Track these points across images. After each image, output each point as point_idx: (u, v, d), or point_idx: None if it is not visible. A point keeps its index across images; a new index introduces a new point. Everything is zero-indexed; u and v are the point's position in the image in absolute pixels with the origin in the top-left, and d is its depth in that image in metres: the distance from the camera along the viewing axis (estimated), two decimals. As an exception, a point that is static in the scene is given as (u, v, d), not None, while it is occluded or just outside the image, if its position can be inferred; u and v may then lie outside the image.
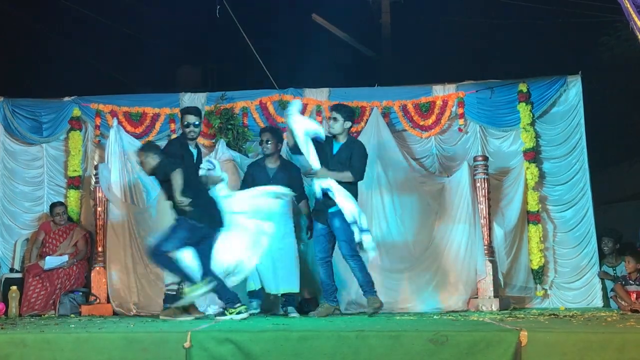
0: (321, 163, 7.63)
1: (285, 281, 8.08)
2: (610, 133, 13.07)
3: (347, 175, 7.59)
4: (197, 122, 7.73)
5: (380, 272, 8.61)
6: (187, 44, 14.58)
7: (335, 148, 7.77)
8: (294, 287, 8.14)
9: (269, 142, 8.29)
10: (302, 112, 9.67)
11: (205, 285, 6.98)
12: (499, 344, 5.10)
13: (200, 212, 7.06)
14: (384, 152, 9.33)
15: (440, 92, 9.76)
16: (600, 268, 9.22)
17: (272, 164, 8.32)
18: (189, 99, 9.86)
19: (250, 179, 8.29)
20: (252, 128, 9.69)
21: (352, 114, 7.94)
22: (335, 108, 7.89)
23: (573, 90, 9.58)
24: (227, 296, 7.11)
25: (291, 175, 8.35)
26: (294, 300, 8.23)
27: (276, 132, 8.47)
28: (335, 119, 7.77)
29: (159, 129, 9.83)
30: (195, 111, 7.86)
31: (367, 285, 7.69)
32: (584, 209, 9.47)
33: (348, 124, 7.78)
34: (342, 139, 7.79)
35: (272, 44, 13.69)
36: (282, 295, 8.18)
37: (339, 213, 7.52)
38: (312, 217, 8.04)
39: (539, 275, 9.30)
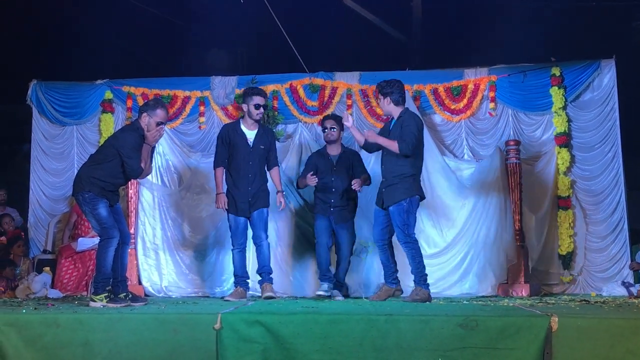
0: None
1: None
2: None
3: (394, 145, 7.20)
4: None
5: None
6: (218, 28, 14.56)
7: (392, 126, 7.51)
8: None
9: (334, 129, 8.34)
10: (333, 95, 9.70)
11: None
12: (530, 329, 5.09)
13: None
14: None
15: (472, 75, 9.67)
16: (632, 254, 9.12)
17: (334, 152, 8.39)
18: (219, 82, 9.88)
19: (313, 168, 8.34)
20: (283, 111, 9.73)
21: (389, 88, 7.41)
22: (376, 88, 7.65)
23: (607, 75, 9.39)
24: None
25: (353, 161, 8.40)
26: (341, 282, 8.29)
27: (339, 119, 8.40)
28: (378, 99, 7.62)
29: (189, 112, 9.88)
30: (263, 93, 8.19)
31: (418, 276, 7.25)
32: (617, 196, 9.27)
33: (387, 100, 7.43)
34: (396, 116, 7.48)
35: (303, 27, 13.63)
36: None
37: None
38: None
39: (567, 261, 9.21)
